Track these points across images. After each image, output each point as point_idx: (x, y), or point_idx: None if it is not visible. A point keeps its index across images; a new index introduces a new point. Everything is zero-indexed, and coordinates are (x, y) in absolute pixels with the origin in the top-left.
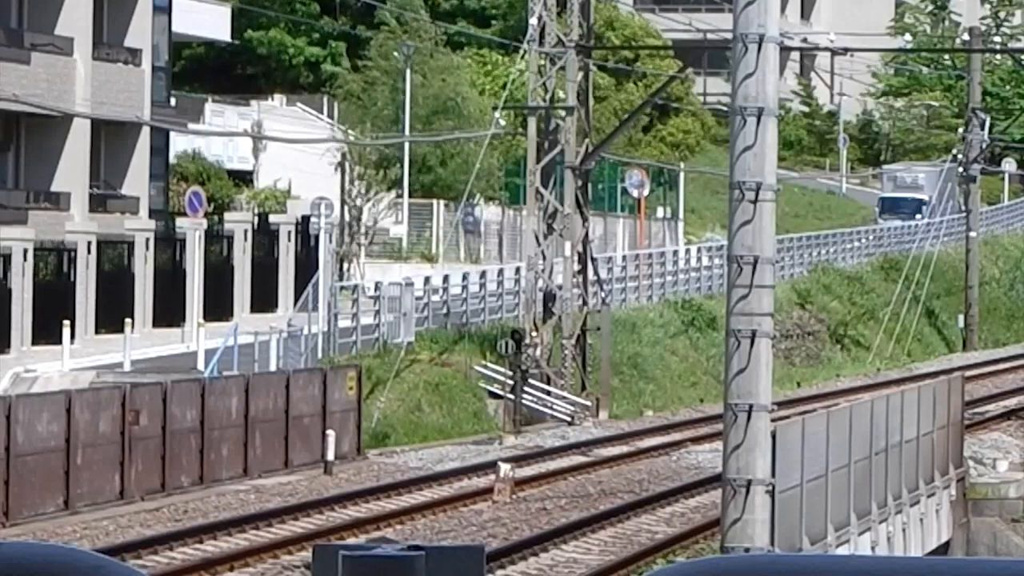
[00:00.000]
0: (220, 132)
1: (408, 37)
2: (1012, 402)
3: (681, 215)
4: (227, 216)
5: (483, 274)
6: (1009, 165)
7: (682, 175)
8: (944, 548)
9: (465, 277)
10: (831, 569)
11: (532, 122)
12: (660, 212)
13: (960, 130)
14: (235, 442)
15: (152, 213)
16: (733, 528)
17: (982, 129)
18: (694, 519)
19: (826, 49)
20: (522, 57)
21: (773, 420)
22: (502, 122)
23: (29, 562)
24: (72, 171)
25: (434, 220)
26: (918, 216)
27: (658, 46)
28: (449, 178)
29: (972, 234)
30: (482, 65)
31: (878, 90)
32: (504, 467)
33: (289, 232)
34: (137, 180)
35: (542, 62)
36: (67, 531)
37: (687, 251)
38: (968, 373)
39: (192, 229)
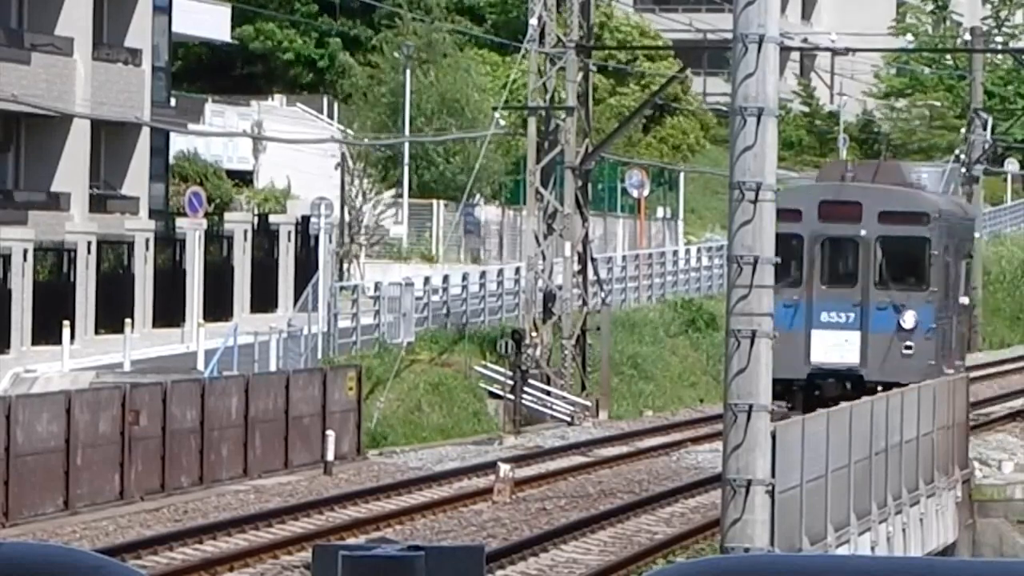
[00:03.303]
0: (220, 132)
1: (419, 35)
2: (1017, 403)
3: (681, 215)
4: (227, 216)
5: (483, 274)
6: (1012, 165)
7: (682, 175)
8: (950, 549)
9: (465, 277)
10: (830, 569)
11: (532, 122)
12: (660, 212)
13: (962, 130)
14: (235, 442)
15: (152, 213)
16: (733, 528)
17: (984, 129)
18: (694, 519)
19: (827, 49)
20: (523, 57)
21: (773, 420)
22: (502, 122)
23: (29, 562)
24: (72, 171)
25: (434, 220)
26: None
27: (658, 46)
28: (450, 172)
29: (976, 235)
30: (482, 64)
31: (879, 91)
32: (504, 467)
33: (289, 232)
34: (137, 180)
35: (542, 62)
36: (67, 531)
37: (687, 251)
38: (973, 374)
39: (192, 229)
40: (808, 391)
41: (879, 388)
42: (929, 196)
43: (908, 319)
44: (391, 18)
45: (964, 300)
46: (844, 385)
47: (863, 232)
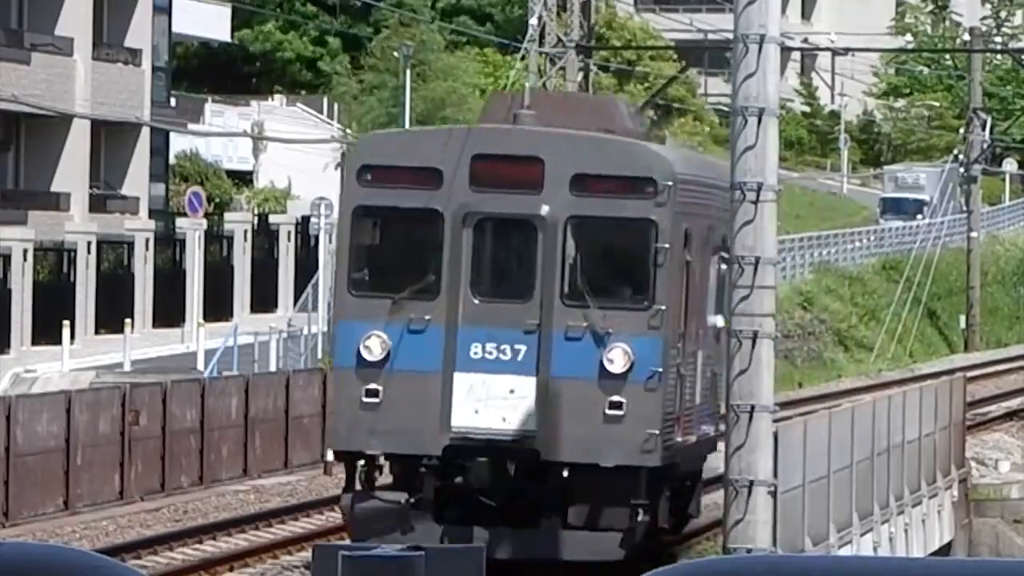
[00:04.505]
0: (220, 132)
1: (409, 37)
2: (1014, 403)
3: None
4: (227, 216)
5: None
6: (1010, 165)
7: None
8: (946, 549)
9: None
10: (830, 569)
11: None
12: None
13: (961, 130)
14: (235, 442)
15: (152, 213)
16: (735, 529)
17: (983, 129)
18: (696, 519)
19: (827, 49)
20: (522, 58)
21: (775, 421)
22: None
23: (29, 562)
24: (72, 171)
25: None
26: (919, 216)
27: (658, 47)
28: None
29: (973, 234)
30: (484, 65)
31: (879, 90)
32: None
33: (289, 232)
34: (137, 180)
35: (542, 62)
36: (67, 531)
37: None
38: (970, 374)
39: (192, 229)
40: (446, 475)
41: (564, 472)
42: (658, 150)
43: (616, 357)
44: (378, 25)
45: (717, 321)
46: (505, 467)
47: (545, 209)
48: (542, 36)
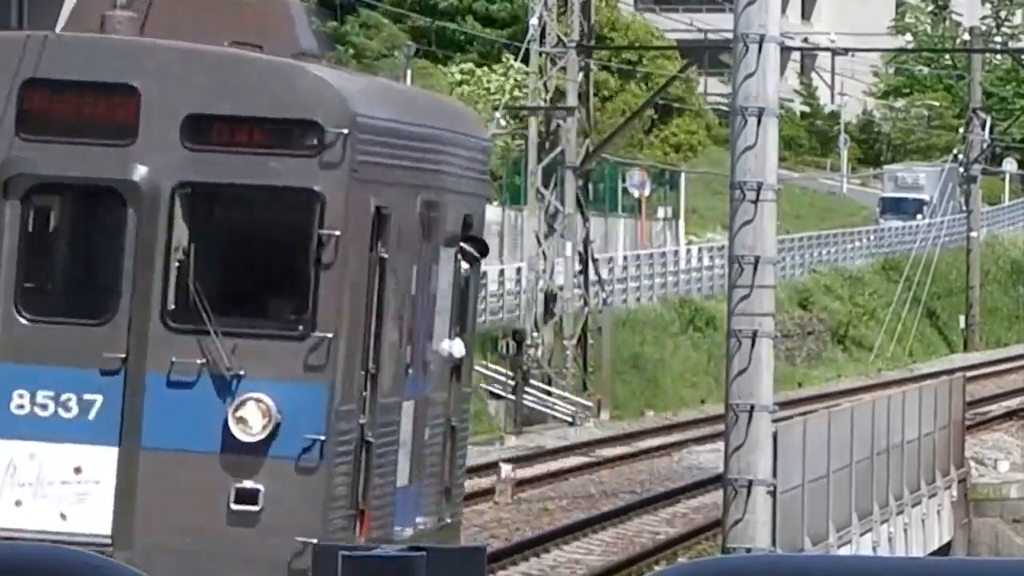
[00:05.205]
0: None
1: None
2: (1014, 402)
3: (682, 215)
4: None
5: (484, 274)
6: (1010, 165)
7: (683, 175)
8: (945, 549)
9: None
10: (830, 569)
11: (532, 123)
12: (661, 212)
13: (961, 130)
14: None
15: None
16: (734, 529)
17: (983, 129)
18: (695, 520)
19: (826, 49)
20: (524, 57)
21: (774, 420)
22: (502, 122)
23: (30, 562)
24: None
25: None
26: (919, 216)
27: (659, 47)
28: None
29: (973, 234)
30: (469, 73)
31: (879, 90)
32: (505, 468)
33: None
34: None
35: (543, 62)
36: None
37: (687, 251)
38: (969, 373)
39: None
40: None
41: None
42: (327, 77)
43: (251, 415)
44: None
45: (454, 350)
46: None
47: (139, 171)
48: (542, 36)
